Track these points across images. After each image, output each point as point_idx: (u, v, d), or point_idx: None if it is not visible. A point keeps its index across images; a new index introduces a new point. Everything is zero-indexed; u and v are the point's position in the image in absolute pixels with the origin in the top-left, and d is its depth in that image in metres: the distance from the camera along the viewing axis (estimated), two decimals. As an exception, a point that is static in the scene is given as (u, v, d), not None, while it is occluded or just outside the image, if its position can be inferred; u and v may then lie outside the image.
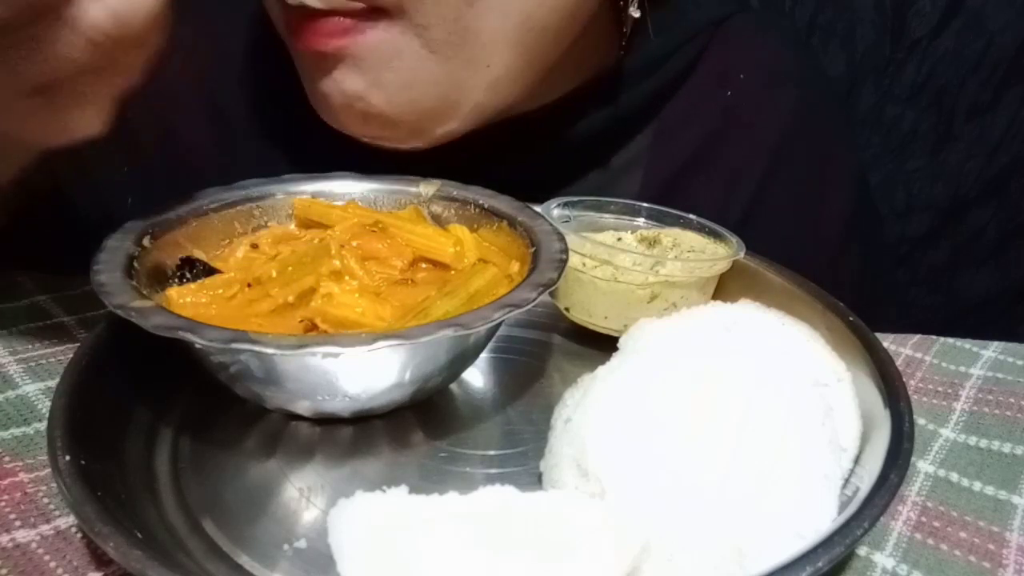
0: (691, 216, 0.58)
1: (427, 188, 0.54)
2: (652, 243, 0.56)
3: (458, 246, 0.49)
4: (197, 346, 0.36)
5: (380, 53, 0.50)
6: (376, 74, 0.51)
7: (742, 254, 0.53)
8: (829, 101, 0.73)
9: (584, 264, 0.52)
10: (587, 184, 0.67)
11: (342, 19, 0.49)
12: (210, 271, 0.47)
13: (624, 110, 0.64)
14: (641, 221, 0.59)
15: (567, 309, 0.54)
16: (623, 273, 0.51)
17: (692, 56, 0.64)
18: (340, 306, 0.42)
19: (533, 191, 0.56)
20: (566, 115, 0.62)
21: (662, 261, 0.52)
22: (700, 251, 0.56)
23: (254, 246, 0.50)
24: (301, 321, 0.43)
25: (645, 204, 0.59)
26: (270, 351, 0.36)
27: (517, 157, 0.62)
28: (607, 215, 0.59)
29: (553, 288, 0.43)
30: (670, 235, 0.57)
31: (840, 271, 0.70)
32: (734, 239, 0.55)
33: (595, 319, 0.53)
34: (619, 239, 0.57)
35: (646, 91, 0.64)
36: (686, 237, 0.57)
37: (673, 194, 0.64)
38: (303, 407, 0.42)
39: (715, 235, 0.57)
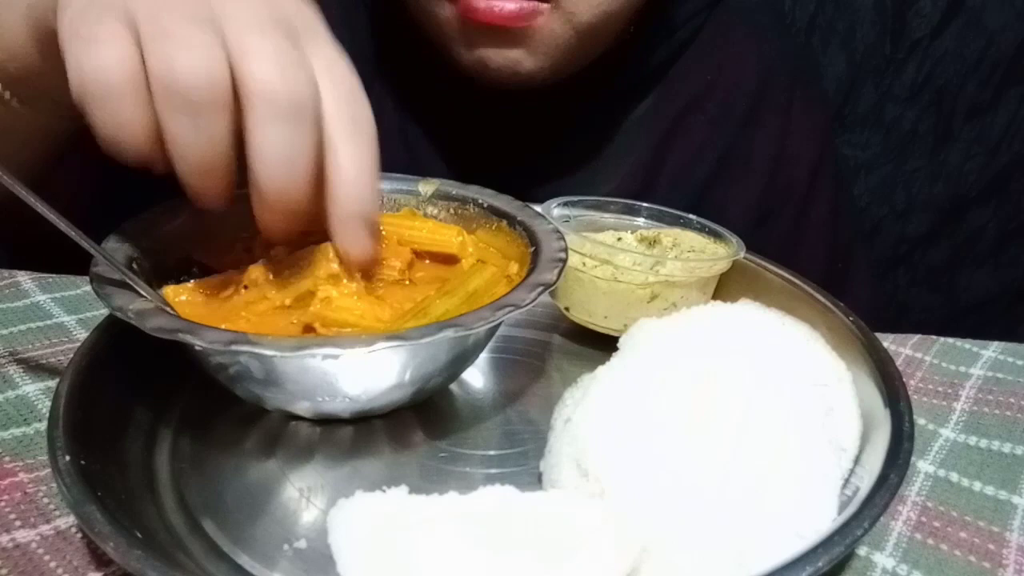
0: (691, 216, 0.58)
1: (426, 187, 0.54)
2: (652, 243, 0.56)
3: (461, 235, 0.49)
4: (197, 348, 0.36)
5: (542, 34, 0.60)
6: (533, 47, 0.61)
7: (742, 254, 0.53)
8: (801, 60, 0.85)
9: (584, 264, 0.52)
10: (600, 140, 0.75)
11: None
12: (208, 272, 0.47)
13: (638, 75, 0.74)
14: (641, 221, 0.59)
15: (567, 309, 0.54)
16: (623, 273, 0.51)
17: (695, 27, 0.75)
18: (338, 310, 0.42)
19: (553, 149, 0.71)
20: (591, 77, 0.70)
21: (662, 261, 0.52)
22: (700, 251, 0.56)
23: (248, 249, 0.50)
24: (293, 323, 0.43)
25: (645, 204, 0.59)
26: (269, 353, 0.36)
27: (547, 113, 0.72)
28: (607, 215, 0.59)
29: (552, 288, 0.43)
30: (670, 235, 0.57)
31: (811, 213, 0.79)
32: (734, 239, 0.55)
33: (595, 319, 0.53)
34: (619, 239, 0.57)
35: (659, 58, 0.74)
36: (686, 237, 0.57)
37: (673, 135, 0.75)
38: (303, 408, 0.42)
39: (715, 235, 0.57)
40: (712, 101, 0.76)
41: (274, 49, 0.36)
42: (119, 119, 0.36)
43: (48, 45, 0.46)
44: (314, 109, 0.38)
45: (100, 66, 0.36)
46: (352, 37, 0.71)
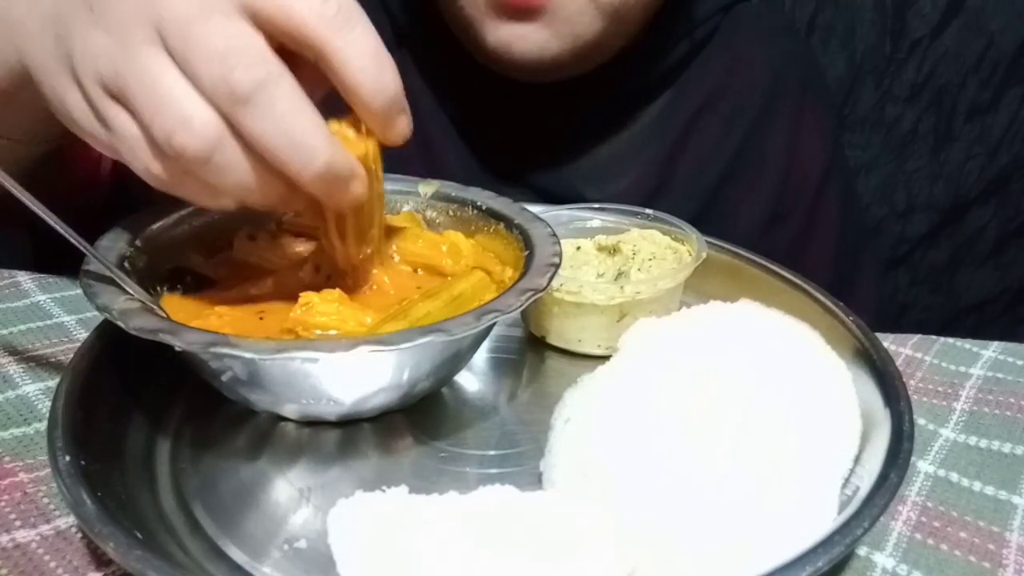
0: (647, 211, 0.58)
1: (426, 188, 0.54)
2: (612, 251, 0.55)
3: (446, 245, 0.49)
4: (177, 348, 0.36)
5: (568, 12, 0.61)
6: (558, 28, 0.61)
7: (704, 254, 0.53)
8: (809, 64, 0.86)
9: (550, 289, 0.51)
10: (616, 136, 0.76)
11: None
12: (201, 279, 0.47)
13: (654, 73, 0.75)
14: (597, 222, 0.59)
15: (543, 337, 0.54)
16: (589, 293, 0.50)
17: (708, 31, 0.76)
18: (320, 315, 0.42)
19: (566, 144, 0.73)
20: (609, 72, 0.72)
21: (626, 273, 0.52)
22: (661, 258, 0.55)
23: (252, 237, 0.49)
24: (261, 321, 0.43)
25: (596, 204, 0.59)
26: (249, 355, 0.35)
27: (567, 107, 0.73)
28: (562, 211, 0.58)
29: (540, 294, 0.42)
30: (629, 240, 0.57)
31: (820, 215, 0.80)
32: (693, 233, 0.55)
33: (571, 344, 0.53)
34: (578, 248, 0.56)
35: (675, 57, 0.75)
36: (645, 241, 0.57)
37: (686, 135, 0.76)
38: (290, 411, 0.42)
39: (674, 229, 0.56)
40: (725, 102, 0.76)
41: (214, 43, 0.35)
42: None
43: (12, 87, 0.46)
44: (274, 74, 0.36)
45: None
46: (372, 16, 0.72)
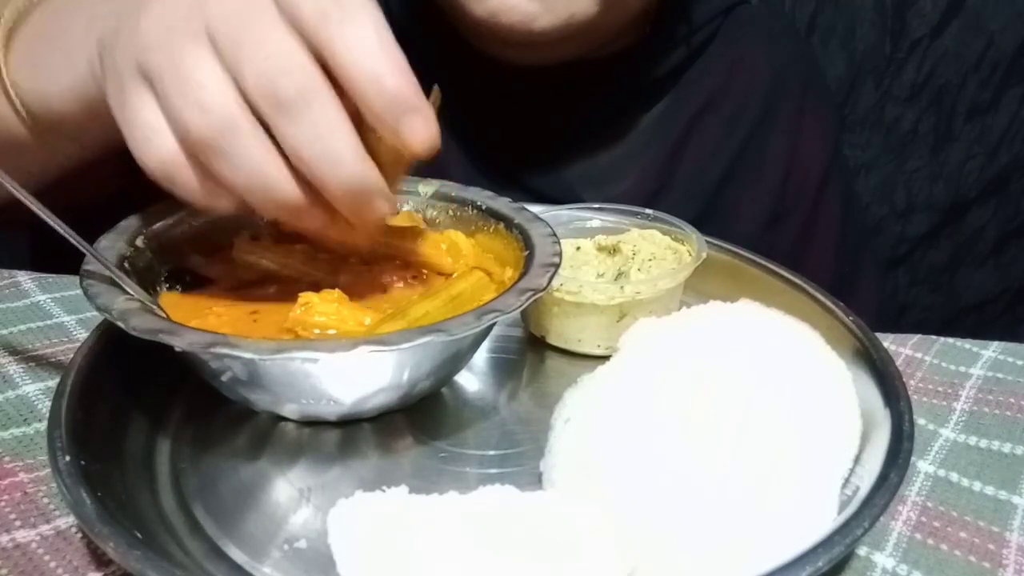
0: (647, 211, 0.58)
1: (426, 188, 0.54)
2: (612, 251, 0.55)
3: (446, 243, 0.49)
4: (177, 349, 0.36)
5: None
6: (550, 3, 0.59)
7: (704, 254, 0.53)
8: (811, 64, 0.86)
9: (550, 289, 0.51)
10: (616, 138, 0.76)
11: None
12: (200, 279, 0.47)
13: (655, 75, 0.75)
14: (597, 222, 0.58)
15: (543, 337, 0.54)
16: (589, 293, 0.50)
17: (710, 33, 0.76)
18: (319, 314, 0.42)
19: (567, 145, 0.73)
20: (609, 73, 0.72)
21: (626, 273, 0.52)
22: (661, 258, 0.55)
23: (255, 237, 0.49)
24: (254, 316, 0.43)
25: (596, 204, 0.59)
26: (249, 355, 0.35)
27: (566, 109, 0.73)
28: (562, 211, 0.58)
29: (541, 294, 0.42)
30: (629, 240, 0.57)
31: (821, 216, 0.80)
32: (693, 233, 0.55)
33: (570, 344, 0.53)
34: (578, 248, 0.56)
35: (675, 59, 0.75)
36: (645, 241, 0.57)
37: (687, 137, 0.76)
38: (289, 411, 0.42)
39: (673, 229, 0.56)
40: (726, 104, 0.77)
41: (264, 49, 0.36)
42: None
43: (94, 110, 0.47)
44: (316, 86, 0.36)
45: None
46: None
